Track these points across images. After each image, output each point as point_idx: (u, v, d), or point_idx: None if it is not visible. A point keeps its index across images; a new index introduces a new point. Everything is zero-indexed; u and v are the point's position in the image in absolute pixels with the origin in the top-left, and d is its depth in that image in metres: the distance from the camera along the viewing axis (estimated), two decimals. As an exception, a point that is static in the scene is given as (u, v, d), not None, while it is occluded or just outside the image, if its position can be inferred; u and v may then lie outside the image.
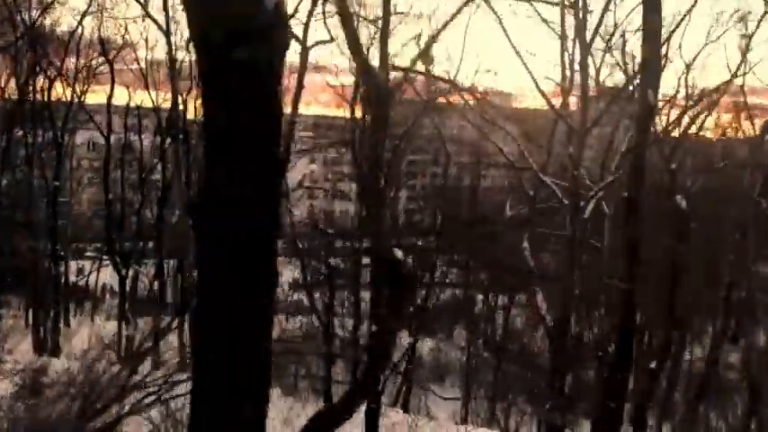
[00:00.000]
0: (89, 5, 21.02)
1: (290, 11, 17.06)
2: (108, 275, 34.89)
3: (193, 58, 24.01)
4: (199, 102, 27.68)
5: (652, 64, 6.16)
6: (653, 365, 9.04)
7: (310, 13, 16.44)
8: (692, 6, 15.00)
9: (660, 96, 15.91)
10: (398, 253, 4.64)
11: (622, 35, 17.11)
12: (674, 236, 7.94)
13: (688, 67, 17.82)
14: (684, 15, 15.91)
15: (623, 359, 7.50)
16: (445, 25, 12.88)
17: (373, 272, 14.70)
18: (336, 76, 20.39)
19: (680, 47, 18.95)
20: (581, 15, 16.61)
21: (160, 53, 35.82)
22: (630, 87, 17.13)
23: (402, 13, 16.11)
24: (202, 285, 2.88)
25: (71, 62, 23.51)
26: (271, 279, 3.00)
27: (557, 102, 17.96)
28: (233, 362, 2.73)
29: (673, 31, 16.52)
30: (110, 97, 22.70)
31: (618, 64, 17.59)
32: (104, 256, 34.22)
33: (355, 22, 18.93)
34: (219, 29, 2.78)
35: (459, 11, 12.59)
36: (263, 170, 2.85)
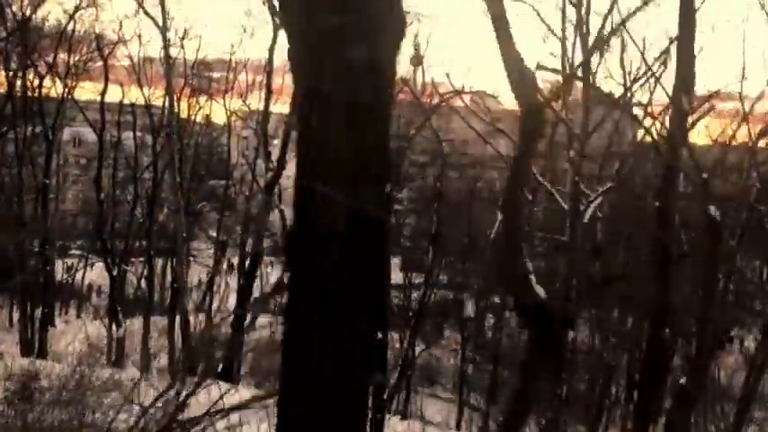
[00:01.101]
0: (81, 0, 20.65)
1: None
2: (94, 274, 34.46)
3: (188, 55, 23.81)
4: (192, 99, 27.59)
5: (686, 71, 5.97)
6: (682, 381, 8.90)
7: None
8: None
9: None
10: (541, 291, 3.60)
11: (622, 41, 16.95)
12: (708, 248, 7.82)
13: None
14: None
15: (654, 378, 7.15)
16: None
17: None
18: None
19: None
20: (583, 18, 16.48)
21: (151, 50, 35.42)
22: (629, 94, 17.05)
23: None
24: (298, 317, 2.51)
25: (61, 58, 23.13)
26: (377, 328, 2.57)
27: (556, 105, 17.80)
28: (329, 395, 2.40)
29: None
30: (103, 94, 22.34)
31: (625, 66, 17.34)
32: (90, 255, 33.81)
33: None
34: (327, 19, 2.31)
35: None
36: (371, 197, 2.35)
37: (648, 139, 18.14)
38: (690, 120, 6.54)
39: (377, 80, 2.40)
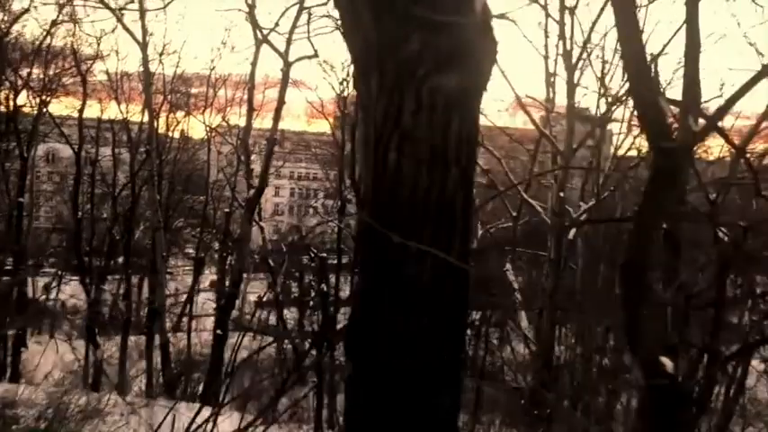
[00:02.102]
0: (59, 15, 20.30)
1: (270, 25, 16.63)
2: (69, 293, 33.74)
3: (167, 71, 23.53)
4: (171, 115, 27.26)
5: (692, 90, 5.90)
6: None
7: (293, 27, 16.06)
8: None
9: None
10: (668, 363, 2.94)
11: (602, 58, 17.00)
12: (716, 270, 7.73)
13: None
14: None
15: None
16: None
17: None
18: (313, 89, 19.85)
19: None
20: (566, 36, 16.51)
21: (128, 65, 35.02)
22: (612, 109, 17.14)
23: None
24: (371, 383, 1.98)
25: (36, 73, 22.69)
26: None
27: (541, 122, 17.82)
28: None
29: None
30: (81, 110, 21.95)
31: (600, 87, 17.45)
32: (65, 273, 33.12)
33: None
34: (408, 45, 1.88)
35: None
36: (456, 247, 1.96)
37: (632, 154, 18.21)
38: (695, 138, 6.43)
39: (465, 113, 1.99)
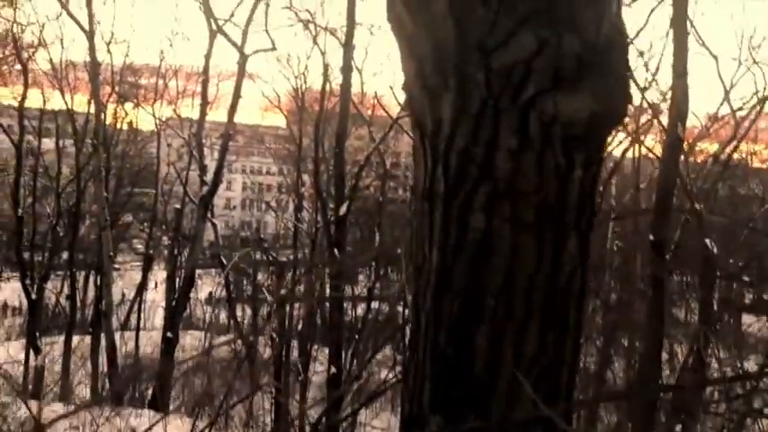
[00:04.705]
0: (-4, -2, 19.15)
1: (225, 16, 15.96)
2: (7, 291, 32.29)
3: (115, 60, 22.55)
4: (120, 108, 26.23)
5: (680, 96, 5.68)
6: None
7: (249, 19, 15.42)
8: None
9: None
10: None
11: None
12: (702, 283, 7.58)
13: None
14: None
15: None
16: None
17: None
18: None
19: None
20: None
21: (73, 54, 33.65)
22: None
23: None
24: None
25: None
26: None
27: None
28: None
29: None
30: (22, 101, 20.75)
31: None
32: (4, 270, 31.67)
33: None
34: (508, 54, 1.21)
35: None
36: (564, 346, 1.34)
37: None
38: (685, 146, 6.32)
39: (592, 153, 1.30)
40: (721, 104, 14.91)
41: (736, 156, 17.26)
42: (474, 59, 1.22)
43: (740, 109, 14.29)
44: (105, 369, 17.72)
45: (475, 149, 1.26)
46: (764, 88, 14.28)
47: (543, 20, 1.19)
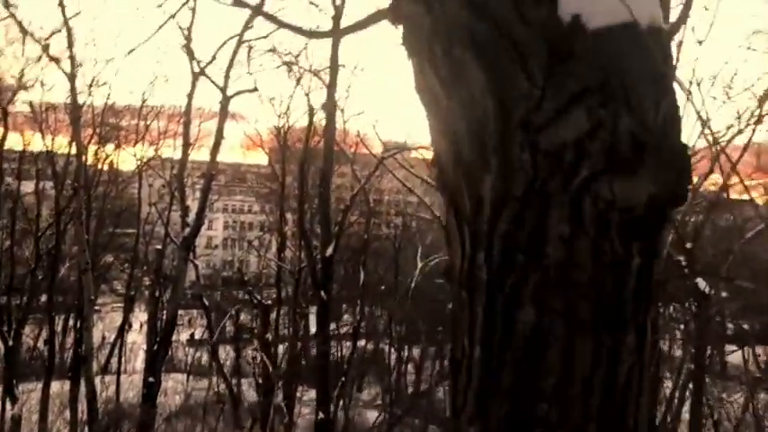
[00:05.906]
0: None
1: (207, 58, 15.97)
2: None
3: (96, 102, 22.43)
4: (100, 148, 26.04)
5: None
6: None
7: (231, 62, 15.43)
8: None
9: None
10: None
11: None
12: (695, 320, 7.43)
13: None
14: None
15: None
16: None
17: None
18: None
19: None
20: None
21: (52, 96, 33.51)
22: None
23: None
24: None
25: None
26: None
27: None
28: None
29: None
30: (1, 144, 20.51)
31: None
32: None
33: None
34: (559, 132, 1.10)
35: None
36: None
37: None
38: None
39: (654, 242, 1.16)
40: (698, 138, 14.94)
41: (712, 188, 17.36)
42: (518, 138, 1.11)
43: (717, 143, 14.34)
44: (85, 417, 17.25)
45: (520, 236, 1.13)
46: (738, 120, 14.30)
47: (596, 98, 1.09)
